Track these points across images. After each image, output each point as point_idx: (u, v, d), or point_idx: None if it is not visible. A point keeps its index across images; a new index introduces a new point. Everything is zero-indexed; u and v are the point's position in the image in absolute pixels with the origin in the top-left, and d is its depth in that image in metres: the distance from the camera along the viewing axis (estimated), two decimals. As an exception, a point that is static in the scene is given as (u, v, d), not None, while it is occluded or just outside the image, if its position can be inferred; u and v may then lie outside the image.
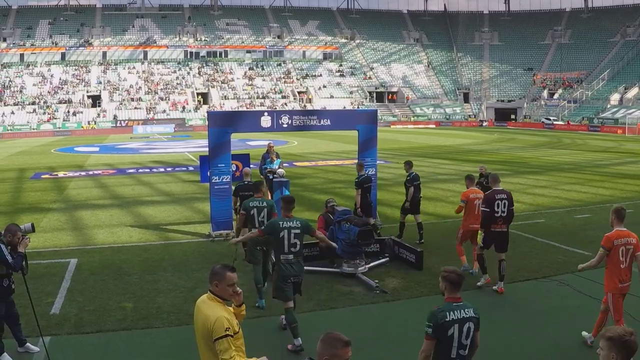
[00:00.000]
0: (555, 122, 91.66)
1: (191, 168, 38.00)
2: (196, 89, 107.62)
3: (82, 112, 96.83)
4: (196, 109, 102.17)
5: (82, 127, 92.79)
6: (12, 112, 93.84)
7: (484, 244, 13.27)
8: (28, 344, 10.23)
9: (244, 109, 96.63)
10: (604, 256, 9.76)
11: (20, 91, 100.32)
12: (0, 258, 9.42)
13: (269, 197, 18.70)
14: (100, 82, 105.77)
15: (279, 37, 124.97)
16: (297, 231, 10.47)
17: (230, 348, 5.87)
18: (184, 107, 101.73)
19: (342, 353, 4.75)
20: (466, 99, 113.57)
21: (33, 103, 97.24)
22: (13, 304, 10.16)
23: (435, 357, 6.56)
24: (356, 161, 20.16)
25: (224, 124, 18.47)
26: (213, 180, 18.31)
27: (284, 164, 25.81)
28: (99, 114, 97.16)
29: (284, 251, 10.40)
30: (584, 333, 10.40)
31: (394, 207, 22.96)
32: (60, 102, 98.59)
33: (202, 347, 6.02)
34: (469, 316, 6.56)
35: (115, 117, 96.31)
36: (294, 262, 10.47)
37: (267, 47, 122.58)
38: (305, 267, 14.51)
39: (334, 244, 12.48)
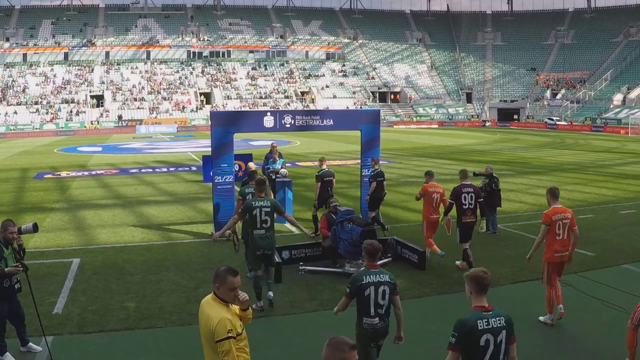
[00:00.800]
0: (558, 122, 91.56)
1: (194, 168, 38.05)
2: (199, 89, 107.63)
3: (85, 112, 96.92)
4: (197, 108, 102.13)
5: (85, 127, 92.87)
6: (15, 112, 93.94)
7: (461, 238, 14.63)
8: (30, 343, 10.21)
9: (247, 109, 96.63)
10: (546, 231, 11.18)
11: (23, 91, 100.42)
12: None
13: (272, 196, 18.75)
14: (103, 82, 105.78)
15: (281, 37, 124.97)
16: (268, 209, 12.06)
17: (232, 350, 5.85)
18: (183, 107, 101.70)
19: (350, 357, 4.79)
20: (469, 99, 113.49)
21: (36, 103, 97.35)
22: (19, 304, 10.11)
23: (359, 314, 7.93)
24: (358, 161, 20.19)
25: (226, 124, 18.47)
26: (216, 180, 18.31)
27: (287, 164, 25.86)
28: (101, 114, 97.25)
29: (256, 227, 11.99)
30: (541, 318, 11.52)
31: (397, 207, 22.98)
32: (63, 102, 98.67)
33: (206, 348, 6.01)
34: (384, 280, 7.87)
35: (120, 116, 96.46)
36: (265, 237, 12.00)
37: (270, 47, 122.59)
38: (308, 267, 14.64)
39: (304, 230, 13.43)
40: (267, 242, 12.04)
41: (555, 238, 11.14)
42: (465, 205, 14.37)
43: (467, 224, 14.49)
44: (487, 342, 6.09)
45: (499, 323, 6.22)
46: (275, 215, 12.32)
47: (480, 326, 6.09)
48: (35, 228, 10.15)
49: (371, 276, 7.80)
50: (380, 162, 20.40)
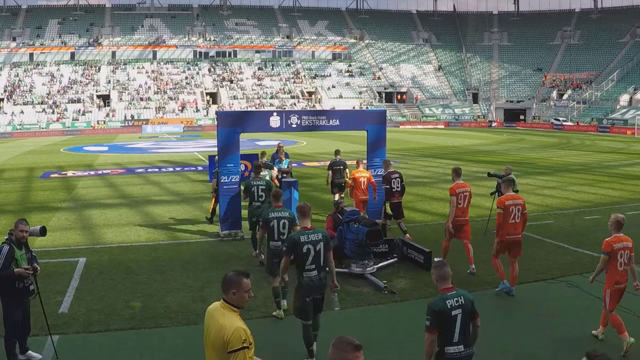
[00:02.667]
0: (564, 123, 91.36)
1: (200, 168, 38.06)
2: (205, 89, 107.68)
3: (91, 112, 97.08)
4: (198, 108, 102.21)
5: (92, 126, 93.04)
6: (22, 112, 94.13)
7: (395, 216, 17.96)
8: (30, 351, 10.01)
9: (253, 109, 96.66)
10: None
11: (30, 91, 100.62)
12: None
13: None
14: (110, 82, 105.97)
15: (288, 37, 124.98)
16: (263, 187, 15.84)
17: None
18: (183, 107, 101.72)
19: (352, 357, 4.77)
20: (475, 99, 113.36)
21: (42, 102, 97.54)
22: (29, 312, 9.93)
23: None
24: (365, 161, 20.23)
25: (233, 124, 18.50)
26: (222, 180, 18.34)
27: (293, 164, 25.86)
28: (108, 114, 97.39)
29: (255, 199, 15.76)
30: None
31: (403, 207, 22.90)
32: (69, 102, 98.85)
33: (212, 356, 5.83)
34: (284, 216, 11.70)
35: (132, 116, 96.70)
36: (260, 207, 15.51)
37: (276, 47, 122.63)
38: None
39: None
40: (261, 211, 14.85)
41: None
42: (394, 188, 17.78)
43: (396, 204, 17.87)
44: (308, 250, 9.53)
45: (317, 237, 9.60)
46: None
47: (302, 240, 9.54)
48: (42, 232, 10.05)
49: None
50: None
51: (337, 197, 20.38)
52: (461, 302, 7.17)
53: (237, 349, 5.61)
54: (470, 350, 7.29)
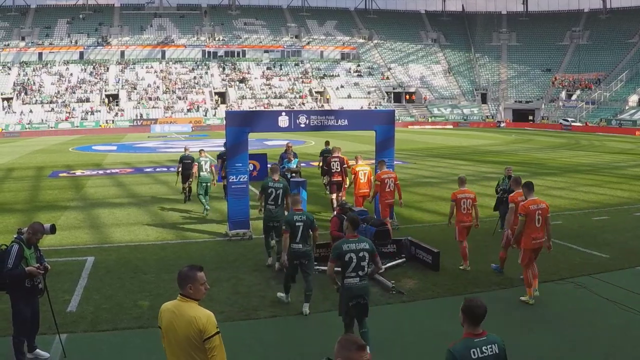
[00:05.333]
0: (573, 124, 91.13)
1: (208, 167, 38.03)
2: (214, 89, 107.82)
3: (99, 111, 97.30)
4: (203, 107, 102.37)
5: (100, 125, 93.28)
6: (31, 111, 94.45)
7: (331, 190, 21.70)
8: (38, 350, 10.00)
9: (262, 108, 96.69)
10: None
11: (39, 90, 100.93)
12: (2, 257, 9.33)
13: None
14: (118, 81, 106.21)
15: (296, 37, 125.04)
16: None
17: (221, 343, 5.90)
18: (198, 107, 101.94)
19: (356, 356, 4.80)
20: (484, 99, 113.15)
21: (51, 102, 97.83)
22: (38, 310, 9.93)
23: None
24: (373, 161, 20.25)
25: (241, 124, 18.49)
26: (230, 180, 18.34)
27: (302, 164, 25.85)
28: (117, 113, 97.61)
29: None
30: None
31: (411, 207, 22.91)
32: (78, 101, 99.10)
33: (181, 353, 5.97)
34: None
35: (141, 116, 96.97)
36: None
37: (285, 47, 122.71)
38: (322, 267, 14.64)
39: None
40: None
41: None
42: (333, 169, 21.27)
43: (335, 182, 21.31)
44: (272, 191, 15.06)
45: (279, 185, 14.94)
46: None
47: (270, 185, 14.91)
48: (52, 230, 10.06)
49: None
50: (395, 162, 20.43)
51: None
52: (303, 218, 12.10)
53: (214, 334, 5.86)
54: (308, 247, 12.13)
